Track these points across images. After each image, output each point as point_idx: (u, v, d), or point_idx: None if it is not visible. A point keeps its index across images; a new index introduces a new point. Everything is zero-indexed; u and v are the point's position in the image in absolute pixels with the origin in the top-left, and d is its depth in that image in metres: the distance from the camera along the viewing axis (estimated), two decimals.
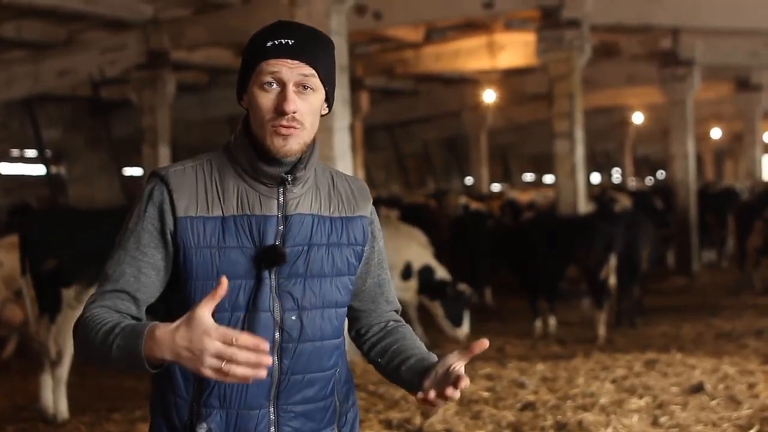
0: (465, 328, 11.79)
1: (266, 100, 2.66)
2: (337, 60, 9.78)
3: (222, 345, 2.31)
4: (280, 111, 2.64)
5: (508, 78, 25.11)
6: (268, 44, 2.67)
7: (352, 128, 10.98)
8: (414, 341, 2.92)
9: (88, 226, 8.53)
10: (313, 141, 2.77)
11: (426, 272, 11.76)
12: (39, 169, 22.61)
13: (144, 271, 2.69)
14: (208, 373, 2.34)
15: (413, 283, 11.71)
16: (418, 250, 11.89)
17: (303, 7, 10.04)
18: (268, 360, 2.34)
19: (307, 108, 2.68)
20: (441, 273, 11.81)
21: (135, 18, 15.82)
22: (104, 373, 10.56)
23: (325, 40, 2.78)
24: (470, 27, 19.46)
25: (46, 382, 8.38)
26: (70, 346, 8.27)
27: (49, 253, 8.25)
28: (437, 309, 11.77)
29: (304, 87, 2.67)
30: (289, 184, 2.71)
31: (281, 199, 2.72)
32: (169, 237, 2.69)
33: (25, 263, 8.28)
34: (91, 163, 23.75)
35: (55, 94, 21.34)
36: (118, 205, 15.50)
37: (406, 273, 11.66)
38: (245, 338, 2.32)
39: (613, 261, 12.57)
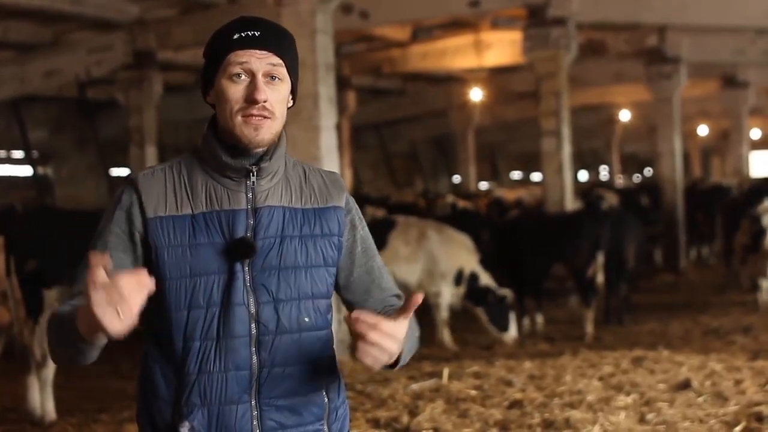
0: (512, 332, 11.78)
1: (236, 90, 2.68)
2: (324, 59, 9.78)
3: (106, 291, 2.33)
4: (250, 100, 2.66)
5: (495, 76, 25.13)
6: (235, 36, 2.69)
7: (339, 127, 10.98)
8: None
9: (70, 227, 8.51)
10: (281, 133, 2.78)
11: (472, 279, 11.81)
12: (26, 170, 22.54)
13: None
14: (111, 324, 2.33)
15: (462, 289, 11.78)
16: (468, 257, 11.91)
17: (289, 7, 10.01)
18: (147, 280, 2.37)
19: (276, 97, 2.70)
20: (485, 279, 11.87)
21: (121, 18, 15.77)
22: (91, 374, 10.55)
23: (288, 33, 2.80)
24: (457, 26, 19.48)
25: (33, 383, 8.36)
26: None
27: (33, 254, 8.23)
28: (482, 315, 11.81)
29: (273, 77, 2.70)
30: (254, 175, 2.72)
31: (249, 192, 2.73)
32: (138, 239, 2.72)
33: (10, 264, 8.25)
34: (79, 163, 23.69)
35: (42, 95, 21.26)
36: (101, 206, 15.44)
37: (458, 279, 11.74)
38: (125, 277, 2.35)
39: (600, 259, 12.59)
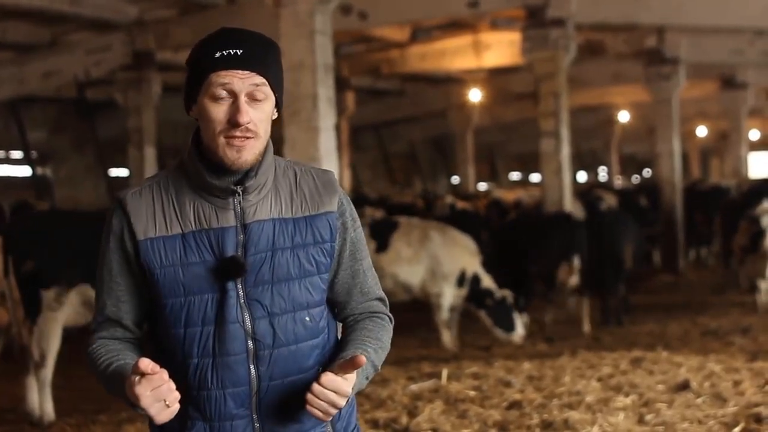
0: (519, 331, 11.68)
1: (218, 111, 2.66)
2: (323, 60, 9.74)
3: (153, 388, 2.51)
4: (233, 122, 2.64)
5: (494, 77, 25.14)
6: (217, 55, 2.65)
7: (338, 128, 10.97)
8: (363, 335, 2.87)
9: (68, 227, 8.51)
10: (267, 146, 2.76)
11: (474, 281, 11.78)
12: (25, 171, 22.53)
13: (122, 298, 2.79)
14: (159, 417, 2.54)
15: (464, 291, 11.73)
16: (470, 259, 11.88)
17: (288, 7, 10.00)
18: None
19: (259, 116, 2.68)
20: (486, 282, 11.81)
21: (120, 19, 15.78)
22: (90, 375, 10.53)
23: (271, 45, 2.77)
24: (456, 26, 19.48)
25: (31, 384, 8.35)
26: (53, 348, 8.26)
27: (30, 255, 8.22)
28: (485, 318, 11.76)
29: (256, 97, 2.67)
30: (239, 196, 2.71)
31: (238, 208, 2.72)
32: (133, 261, 2.75)
33: (8, 265, 8.24)
34: (77, 164, 23.68)
35: (41, 96, 21.27)
36: (100, 207, 15.44)
37: (461, 281, 11.70)
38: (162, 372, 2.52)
39: (576, 263, 12.68)
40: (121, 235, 2.74)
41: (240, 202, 2.72)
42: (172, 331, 2.71)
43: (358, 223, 2.93)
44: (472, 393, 7.96)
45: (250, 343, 2.70)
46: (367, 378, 2.79)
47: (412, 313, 13.07)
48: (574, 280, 12.80)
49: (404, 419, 7.17)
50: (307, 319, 2.78)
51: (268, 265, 2.72)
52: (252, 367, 2.71)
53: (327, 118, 10.05)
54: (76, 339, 9.88)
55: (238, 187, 2.71)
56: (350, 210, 2.90)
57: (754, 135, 37.53)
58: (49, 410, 8.32)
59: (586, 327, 12.56)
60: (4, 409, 9.03)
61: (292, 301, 2.74)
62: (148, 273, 2.71)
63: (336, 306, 2.95)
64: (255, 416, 2.73)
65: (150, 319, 2.83)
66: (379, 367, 2.88)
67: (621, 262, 13.29)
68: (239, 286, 2.69)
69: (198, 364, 2.69)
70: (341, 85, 20.19)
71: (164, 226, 2.71)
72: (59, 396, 8.70)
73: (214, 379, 2.69)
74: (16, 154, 22.75)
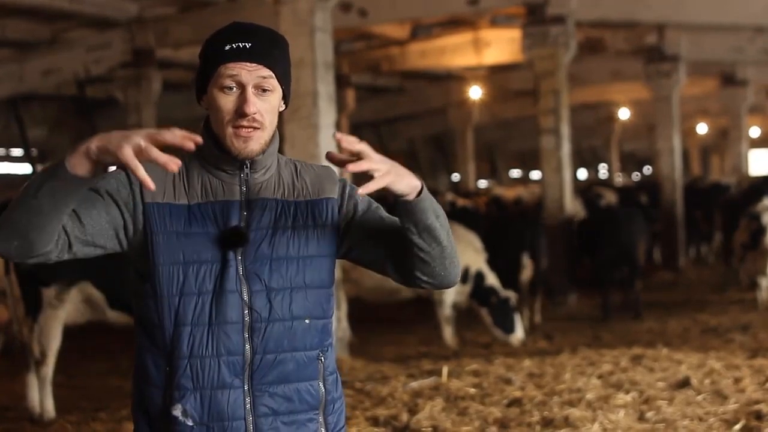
0: (518, 334, 11.61)
1: (226, 102, 2.74)
2: (323, 57, 9.73)
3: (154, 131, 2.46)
4: (240, 113, 2.73)
5: (494, 74, 25.11)
6: (226, 48, 2.75)
7: (337, 125, 10.97)
8: None
9: None
10: (273, 136, 2.84)
11: (478, 278, 11.74)
12: (25, 168, 22.53)
13: (97, 204, 2.70)
14: (127, 151, 2.42)
15: (468, 288, 11.68)
16: (474, 256, 11.84)
17: (288, 5, 10.00)
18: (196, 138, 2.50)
19: (266, 107, 2.77)
20: (490, 279, 11.75)
21: (120, 16, 15.78)
22: (90, 372, 10.55)
23: (280, 40, 2.86)
24: (456, 24, 19.47)
25: (32, 381, 8.36)
26: (54, 346, 8.26)
27: None
28: (486, 316, 11.70)
29: (263, 88, 2.76)
30: (247, 168, 2.79)
31: (243, 186, 2.81)
32: (128, 217, 2.73)
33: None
34: None
35: (41, 94, 21.25)
36: None
37: (464, 277, 11.62)
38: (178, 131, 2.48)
39: (526, 261, 12.96)
40: (130, 187, 2.76)
41: (247, 175, 2.80)
42: (166, 300, 2.73)
43: (373, 209, 2.94)
44: (472, 390, 7.96)
45: (246, 313, 2.74)
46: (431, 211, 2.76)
47: (412, 310, 13.09)
48: (526, 275, 13.05)
49: (404, 416, 7.16)
50: (306, 298, 2.81)
51: (268, 242, 2.78)
52: (246, 337, 2.74)
53: (327, 116, 10.05)
54: (77, 337, 9.91)
55: (247, 160, 2.78)
56: (360, 199, 2.93)
57: (755, 132, 37.54)
58: (49, 408, 8.33)
59: (537, 318, 13.26)
60: (5, 406, 9.04)
61: (290, 279, 2.79)
62: (150, 236, 2.73)
63: (390, 256, 2.89)
64: (247, 388, 2.76)
65: (137, 294, 2.82)
66: (440, 214, 2.85)
67: (636, 258, 13.44)
68: (239, 258, 2.75)
69: (191, 332, 2.72)
70: (341, 82, 20.16)
71: (172, 195, 2.77)
72: (60, 393, 8.71)
73: (209, 346, 2.72)
74: (16, 152, 22.75)
